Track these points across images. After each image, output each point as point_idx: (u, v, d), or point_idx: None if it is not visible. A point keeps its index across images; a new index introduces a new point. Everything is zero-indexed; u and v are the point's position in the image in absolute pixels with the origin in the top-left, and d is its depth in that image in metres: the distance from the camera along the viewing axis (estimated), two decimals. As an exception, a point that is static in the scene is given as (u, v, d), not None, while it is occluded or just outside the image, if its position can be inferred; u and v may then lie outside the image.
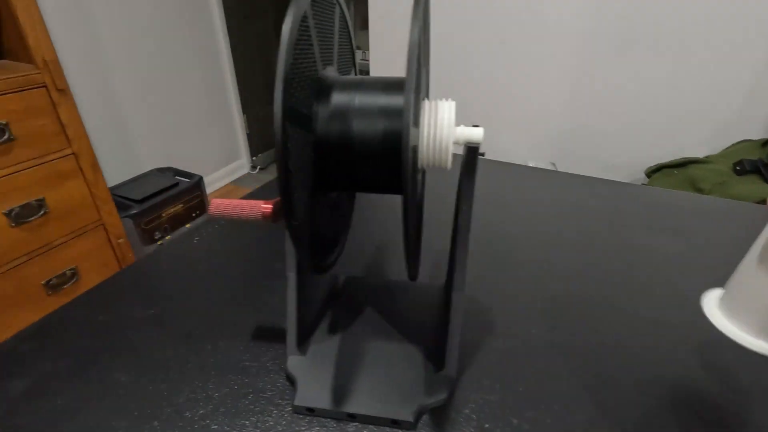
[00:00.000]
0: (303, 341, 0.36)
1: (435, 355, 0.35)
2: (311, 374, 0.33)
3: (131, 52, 1.80)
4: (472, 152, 0.28)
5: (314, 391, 0.32)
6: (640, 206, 0.60)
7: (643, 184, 1.21)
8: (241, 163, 2.58)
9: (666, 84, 1.31)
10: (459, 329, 0.32)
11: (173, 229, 1.78)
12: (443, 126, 0.26)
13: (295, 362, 0.34)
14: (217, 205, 0.31)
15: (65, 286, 1.33)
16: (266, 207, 0.31)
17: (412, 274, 0.28)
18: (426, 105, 0.27)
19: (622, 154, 1.44)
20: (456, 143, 0.28)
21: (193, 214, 1.86)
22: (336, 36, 0.31)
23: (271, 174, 2.62)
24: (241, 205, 0.31)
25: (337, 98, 0.27)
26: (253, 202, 0.31)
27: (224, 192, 2.40)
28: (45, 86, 1.14)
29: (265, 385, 0.34)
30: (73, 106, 1.22)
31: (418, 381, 0.33)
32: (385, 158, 0.27)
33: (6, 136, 1.08)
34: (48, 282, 1.28)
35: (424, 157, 0.27)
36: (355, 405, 0.31)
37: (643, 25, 1.29)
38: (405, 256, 0.27)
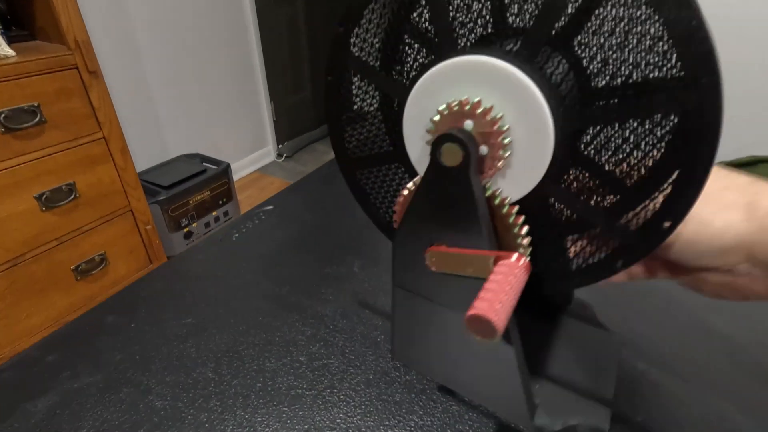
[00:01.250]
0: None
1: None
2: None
3: (161, 36, 1.77)
4: None
5: None
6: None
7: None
8: (267, 151, 2.54)
9: (728, 72, 1.20)
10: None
11: (199, 217, 1.76)
12: None
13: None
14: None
15: (94, 272, 1.32)
16: (520, 261, 0.22)
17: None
18: None
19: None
20: None
21: (220, 202, 1.83)
22: None
23: (297, 162, 2.58)
24: (505, 283, 0.21)
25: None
26: (506, 270, 0.22)
27: (250, 180, 2.37)
28: (76, 68, 1.11)
29: (323, 421, 0.28)
30: (105, 89, 1.20)
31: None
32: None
33: (37, 119, 1.06)
34: (77, 267, 1.27)
35: None
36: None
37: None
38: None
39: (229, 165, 1.84)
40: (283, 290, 0.40)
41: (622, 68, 0.20)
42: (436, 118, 0.23)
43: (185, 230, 1.72)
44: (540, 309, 0.35)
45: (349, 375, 0.32)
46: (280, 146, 2.60)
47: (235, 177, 2.29)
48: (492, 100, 0.22)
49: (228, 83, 2.14)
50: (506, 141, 0.22)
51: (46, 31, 1.14)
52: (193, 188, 1.70)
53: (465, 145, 0.21)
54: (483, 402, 0.30)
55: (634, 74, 0.20)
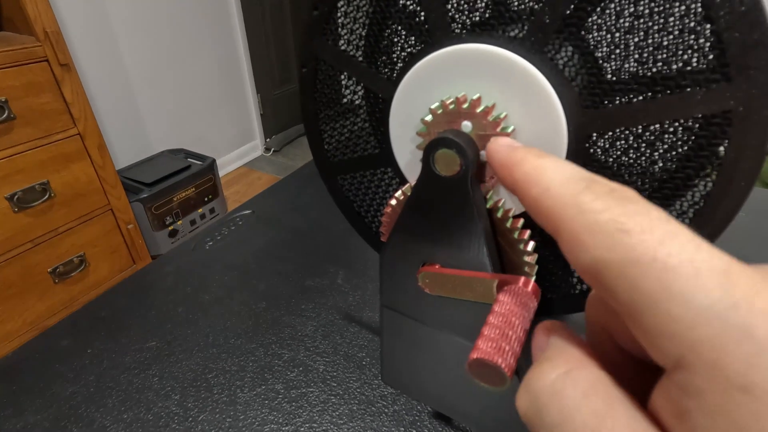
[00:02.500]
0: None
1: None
2: None
3: (141, 27, 1.70)
4: None
5: None
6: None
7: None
8: (255, 145, 2.48)
9: None
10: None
11: (185, 214, 1.71)
12: None
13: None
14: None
15: (73, 274, 1.27)
16: (528, 286, 0.18)
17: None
18: None
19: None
20: None
21: (206, 198, 1.78)
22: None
23: (285, 156, 2.52)
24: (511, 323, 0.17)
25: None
26: (512, 298, 0.18)
27: (237, 175, 2.31)
28: (47, 60, 1.05)
29: (301, 465, 0.25)
30: (78, 83, 1.14)
31: None
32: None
33: (5, 114, 1.00)
34: (55, 270, 1.21)
35: None
36: None
37: None
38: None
39: (214, 160, 1.79)
40: (259, 307, 0.36)
41: (651, 59, 0.16)
42: (428, 118, 0.19)
43: (170, 228, 1.67)
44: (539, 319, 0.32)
45: (330, 406, 0.28)
46: (267, 140, 2.54)
47: (222, 172, 2.24)
48: (494, 97, 0.18)
49: (212, 75, 2.08)
50: None
51: (14, 21, 1.08)
52: (177, 185, 1.64)
53: (463, 152, 0.18)
54: (482, 430, 0.26)
55: (665, 66, 0.16)
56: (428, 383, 0.27)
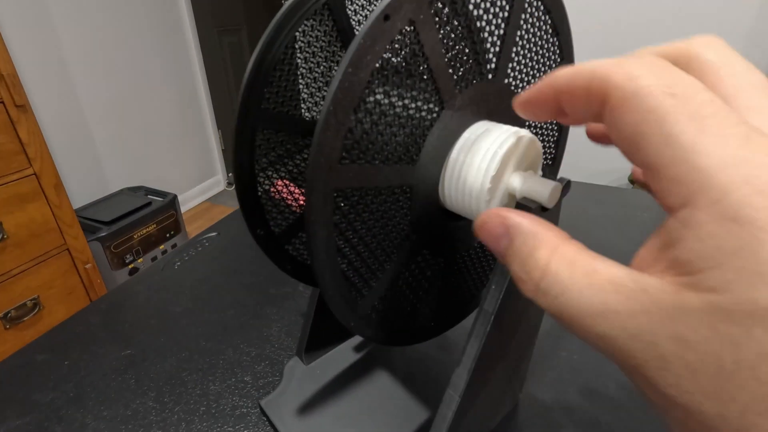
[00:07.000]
0: (313, 349, 0.32)
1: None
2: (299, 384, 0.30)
3: (98, 66, 1.71)
4: None
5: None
6: (636, 210, 0.58)
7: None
8: (217, 180, 2.49)
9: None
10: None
11: (146, 252, 1.69)
12: (472, 165, 0.19)
13: (293, 364, 0.32)
14: None
15: (26, 318, 1.22)
16: None
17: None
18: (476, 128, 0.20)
19: (605, 160, 1.45)
20: (510, 193, 0.19)
21: (167, 235, 1.76)
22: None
23: (249, 190, 2.53)
24: None
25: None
26: None
27: (199, 210, 2.30)
28: (2, 102, 1.06)
29: (268, 437, 0.29)
30: (34, 124, 1.14)
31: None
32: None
33: (-43, 157, 0.99)
34: (6, 314, 1.17)
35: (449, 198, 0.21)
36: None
37: (622, 32, 1.31)
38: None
39: (175, 196, 1.79)
40: (227, 314, 0.40)
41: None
42: None
43: (130, 266, 1.64)
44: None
45: (294, 390, 0.32)
46: (229, 175, 2.56)
47: (184, 208, 2.22)
48: None
49: (172, 113, 2.10)
50: None
51: (-33, 64, 1.08)
52: (137, 222, 1.63)
53: None
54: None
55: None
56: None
